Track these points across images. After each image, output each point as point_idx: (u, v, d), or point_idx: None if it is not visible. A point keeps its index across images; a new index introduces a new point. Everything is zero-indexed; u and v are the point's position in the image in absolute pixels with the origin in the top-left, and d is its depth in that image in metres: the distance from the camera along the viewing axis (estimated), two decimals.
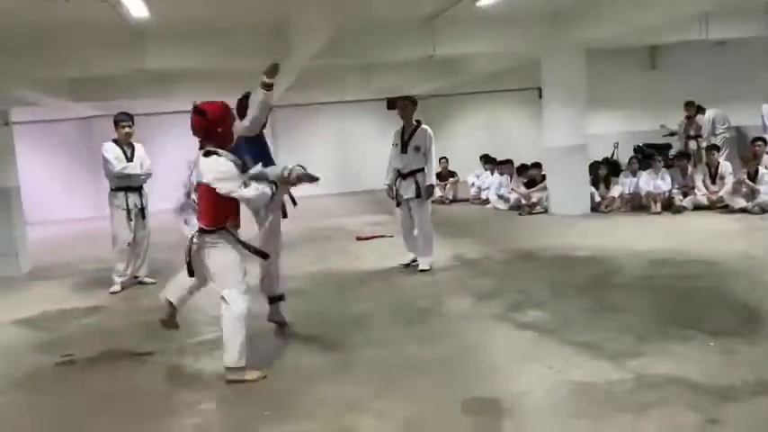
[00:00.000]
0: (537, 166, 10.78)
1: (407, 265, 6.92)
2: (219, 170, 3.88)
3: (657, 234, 7.91)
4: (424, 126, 6.75)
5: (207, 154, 3.95)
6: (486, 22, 9.20)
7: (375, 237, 9.12)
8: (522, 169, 11.15)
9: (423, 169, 6.64)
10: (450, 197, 12.91)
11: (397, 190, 6.81)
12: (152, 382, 4.14)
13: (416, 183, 6.67)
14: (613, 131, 14.73)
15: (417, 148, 6.65)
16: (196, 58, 8.70)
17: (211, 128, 3.97)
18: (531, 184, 10.68)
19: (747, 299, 4.90)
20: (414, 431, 3.18)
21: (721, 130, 11.61)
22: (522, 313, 4.93)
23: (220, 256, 3.99)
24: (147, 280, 7.13)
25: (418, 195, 6.67)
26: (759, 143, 9.33)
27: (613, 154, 14.22)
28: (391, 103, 17.68)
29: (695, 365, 3.68)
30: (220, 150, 3.95)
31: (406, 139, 6.72)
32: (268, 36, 8.66)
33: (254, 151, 4.63)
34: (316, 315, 5.37)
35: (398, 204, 6.87)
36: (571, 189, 9.82)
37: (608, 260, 6.56)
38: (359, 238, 9.09)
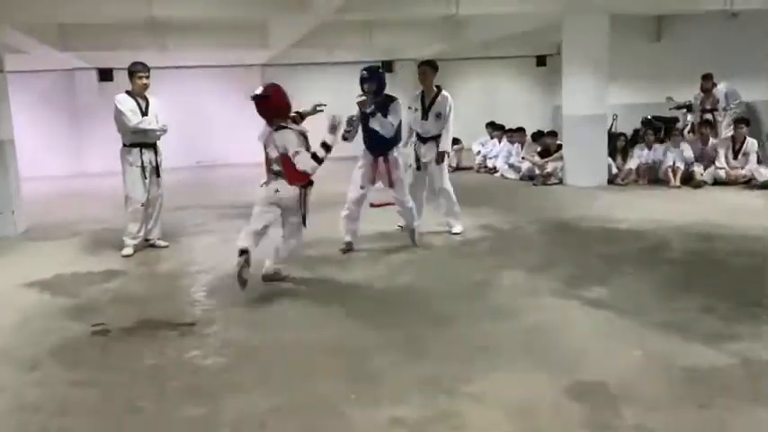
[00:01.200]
0: (552, 134, 10.51)
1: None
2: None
3: (686, 208, 7.71)
4: (444, 92, 6.55)
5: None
6: None
7: (389, 204, 8.76)
8: (536, 137, 10.87)
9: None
10: (455, 165, 12.55)
11: (416, 153, 6.62)
12: (203, 356, 3.78)
13: (437, 147, 6.53)
14: (614, 103, 14.49)
15: (438, 115, 6.48)
16: (207, 6, 8.12)
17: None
18: (544, 153, 10.41)
19: None
20: (523, 419, 2.89)
21: (732, 106, 11.41)
22: (586, 289, 4.67)
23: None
24: (159, 243, 6.69)
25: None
26: None
27: (612, 126, 14.01)
28: (387, 66, 17.21)
29: None
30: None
31: (427, 106, 6.51)
32: None
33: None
34: (363, 286, 5.04)
35: (419, 168, 6.67)
36: (589, 160, 9.58)
37: (650, 233, 6.35)
38: (372, 205, 8.72)
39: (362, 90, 5.76)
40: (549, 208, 8.05)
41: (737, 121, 9.74)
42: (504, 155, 11.52)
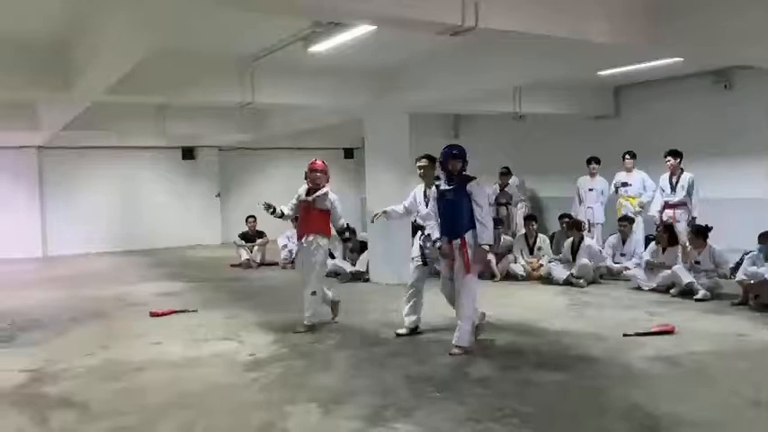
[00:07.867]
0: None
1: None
2: None
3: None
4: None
5: None
6: (312, 72, 8.40)
7: (174, 312, 7.56)
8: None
9: None
10: (258, 260, 11.64)
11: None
12: None
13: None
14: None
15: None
16: None
17: None
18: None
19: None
20: None
21: (522, 198, 11.78)
22: (390, 428, 3.92)
23: None
24: None
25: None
26: (566, 219, 9.60)
27: None
28: (188, 153, 16.07)
29: None
30: None
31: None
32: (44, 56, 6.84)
33: None
34: None
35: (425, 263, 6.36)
36: (395, 256, 9.17)
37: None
38: (153, 314, 7.47)
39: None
40: (351, 310, 7.38)
41: (527, 218, 9.96)
42: None
